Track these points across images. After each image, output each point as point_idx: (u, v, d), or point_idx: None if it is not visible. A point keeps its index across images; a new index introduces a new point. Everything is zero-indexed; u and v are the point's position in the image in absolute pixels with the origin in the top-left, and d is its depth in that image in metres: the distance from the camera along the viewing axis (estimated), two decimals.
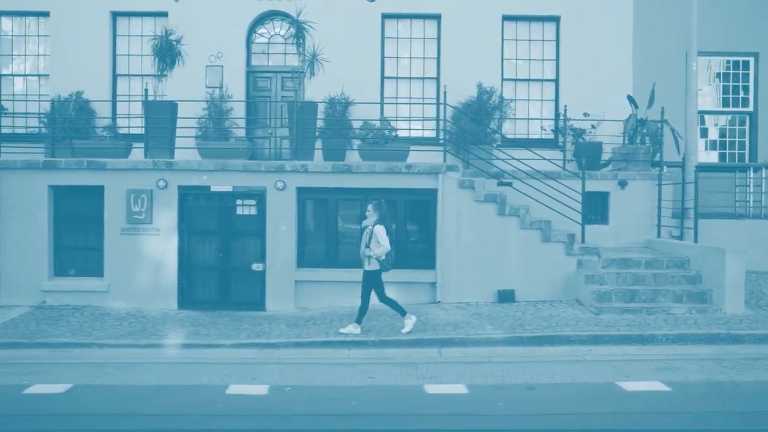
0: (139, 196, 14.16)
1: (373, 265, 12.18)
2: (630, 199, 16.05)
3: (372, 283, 12.29)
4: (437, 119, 17.65)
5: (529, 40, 18.42)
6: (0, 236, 14.28)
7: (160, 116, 14.89)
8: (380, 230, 12.04)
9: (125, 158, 14.97)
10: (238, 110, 17.39)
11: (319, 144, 15.78)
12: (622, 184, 16.00)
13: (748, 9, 18.11)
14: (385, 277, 13.51)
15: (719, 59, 18.41)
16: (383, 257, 12.06)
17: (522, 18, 18.32)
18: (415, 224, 14.72)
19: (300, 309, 14.17)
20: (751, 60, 18.34)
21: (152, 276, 14.26)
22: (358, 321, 12.36)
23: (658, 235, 15.83)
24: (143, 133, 15.26)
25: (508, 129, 18.14)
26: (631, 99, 16.61)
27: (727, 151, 18.56)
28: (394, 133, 15.27)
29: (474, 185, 14.21)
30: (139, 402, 9.04)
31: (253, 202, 14.41)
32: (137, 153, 15.47)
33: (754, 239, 15.78)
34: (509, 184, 15.14)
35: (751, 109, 18.40)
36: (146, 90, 15.31)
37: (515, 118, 18.10)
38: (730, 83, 18.47)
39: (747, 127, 18.49)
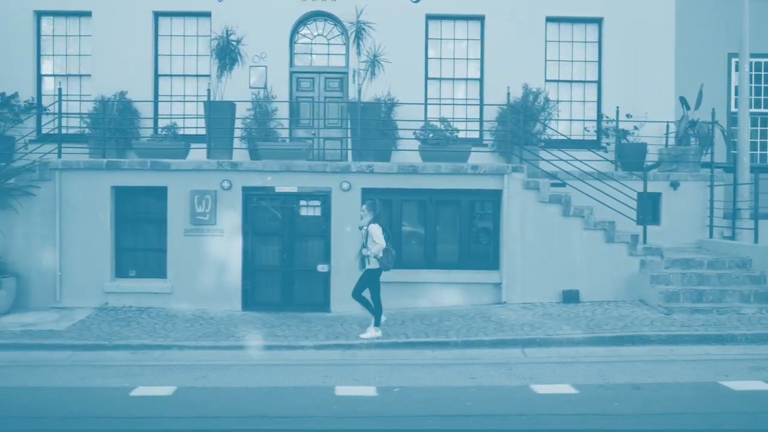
0: (203, 197, 14.10)
1: (373, 264, 12.25)
2: (681, 199, 16.18)
3: (371, 280, 12.35)
4: (480, 120, 17.71)
5: (572, 42, 18.48)
6: (62, 237, 14.16)
7: (221, 116, 14.84)
8: (375, 229, 12.10)
9: (183, 159, 14.87)
10: (282, 111, 17.29)
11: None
12: (674, 185, 16.12)
13: None
14: (443, 277, 13.67)
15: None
16: (381, 255, 12.10)
17: (565, 19, 18.37)
18: (477, 225, 14.73)
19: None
20: None
21: (216, 277, 14.20)
22: (377, 324, 12.38)
23: (710, 236, 15.96)
24: (197, 134, 15.21)
25: (551, 130, 18.18)
26: (683, 100, 16.74)
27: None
28: (455, 134, 15.23)
29: (539, 186, 14.27)
30: (256, 404, 8.98)
31: (317, 202, 14.37)
32: (194, 153, 15.36)
33: None
34: (563, 185, 15.22)
35: None
36: (209, 90, 15.22)
37: (560, 119, 18.14)
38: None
39: None
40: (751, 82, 18.11)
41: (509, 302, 14.19)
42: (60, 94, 15.44)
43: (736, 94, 16.40)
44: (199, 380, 10.13)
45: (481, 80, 18.29)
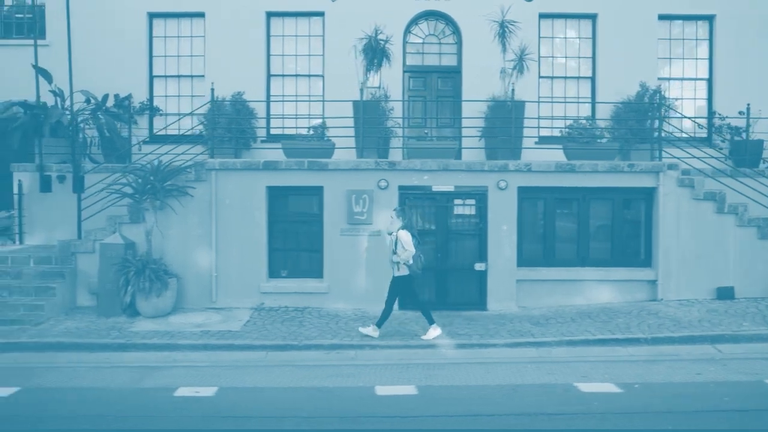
0: (360, 196, 14.08)
1: (402, 271, 12.23)
2: None
3: (402, 288, 12.35)
4: (593, 118, 17.73)
5: (683, 39, 18.56)
6: (217, 238, 14.13)
7: (371, 116, 14.82)
8: (404, 235, 12.09)
9: (329, 158, 14.83)
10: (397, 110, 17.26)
11: (482, 143, 16.00)
12: None
13: None
14: (598, 274, 13.75)
15: None
16: (411, 261, 12.10)
17: (676, 17, 18.45)
18: (629, 223, 14.77)
19: (521, 308, 14.20)
20: None
21: (372, 277, 14.17)
22: (379, 325, 12.37)
23: None
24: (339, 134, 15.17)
25: (674, 128, 18.29)
26: None
27: None
28: (603, 133, 15.30)
29: (693, 183, 14.34)
30: (504, 401, 9.03)
31: (473, 201, 14.38)
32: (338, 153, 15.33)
33: None
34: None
35: None
36: (361, 90, 15.19)
37: (680, 117, 18.21)
38: None
39: None
40: None
41: (665, 299, 14.25)
42: (213, 95, 15.44)
43: None
44: (432, 378, 10.15)
45: (593, 78, 18.32)
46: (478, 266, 14.28)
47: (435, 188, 14.28)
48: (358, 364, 11.16)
